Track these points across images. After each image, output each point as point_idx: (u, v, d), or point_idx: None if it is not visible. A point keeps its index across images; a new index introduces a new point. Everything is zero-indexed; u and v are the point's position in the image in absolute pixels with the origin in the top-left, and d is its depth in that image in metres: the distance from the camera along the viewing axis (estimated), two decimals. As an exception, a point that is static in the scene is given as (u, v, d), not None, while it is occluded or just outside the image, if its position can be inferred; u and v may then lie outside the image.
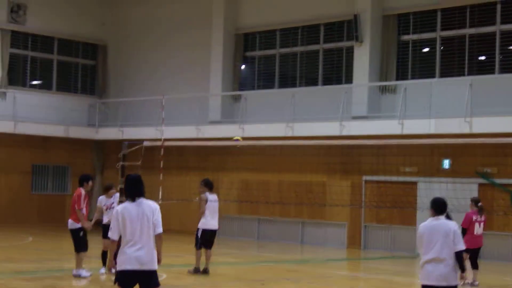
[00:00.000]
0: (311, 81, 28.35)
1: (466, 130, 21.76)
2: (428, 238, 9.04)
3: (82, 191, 14.45)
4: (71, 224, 14.45)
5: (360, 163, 25.37)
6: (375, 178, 25.17)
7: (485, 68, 24.31)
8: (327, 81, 27.77)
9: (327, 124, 24.70)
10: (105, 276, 14.77)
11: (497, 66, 23.93)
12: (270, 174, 27.50)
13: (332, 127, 24.47)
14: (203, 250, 16.00)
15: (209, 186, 16.34)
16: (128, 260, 8.27)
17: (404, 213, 24.18)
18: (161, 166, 15.84)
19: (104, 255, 15.17)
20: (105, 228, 14.21)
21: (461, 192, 21.35)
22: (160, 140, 17.85)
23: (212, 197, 16.22)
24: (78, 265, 14.45)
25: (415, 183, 23.97)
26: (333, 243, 25.78)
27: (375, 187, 25.19)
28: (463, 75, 24.38)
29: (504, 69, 23.79)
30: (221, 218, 22.61)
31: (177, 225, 30.13)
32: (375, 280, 17.24)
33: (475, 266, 15.98)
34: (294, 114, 25.68)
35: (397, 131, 23.04)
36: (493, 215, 22.32)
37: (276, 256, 21.69)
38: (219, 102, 29.46)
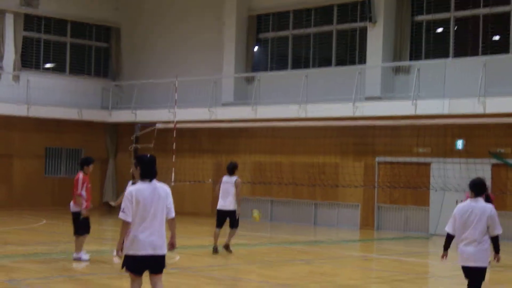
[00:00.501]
0: (324, 62, 28.25)
1: (479, 110, 21.65)
2: (465, 219, 9.07)
3: (81, 175, 14.30)
4: (72, 207, 14.43)
5: (374, 144, 25.34)
6: (388, 159, 25.13)
7: (499, 48, 24.13)
8: (341, 62, 27.67)
9: (340, 105, 24.63)
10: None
11: (511, 45, 23.75)
12: (283, 155, 27.50)
13: (345, 108, 24.42)
14: (220, 230, 16.60)
15: (228, 169, 16.96)
16: (142, 245, 7.99)
17: (417, 193, 24.15)
18: (174, 148, 15.83)
19: None
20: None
21: (474, 173, 21.25)
22: (172, 122, 17.91)
23: (226, 178, 16.72)
24: (78, 248, 14.32)
25: (428, 164, 23.90)
26: (346, 224, 25.80)
27: (388, 168, 25.15)
28: (477, 55, 24.24)
29: (519, 49, 23.61)
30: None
31: (191, 207, 30.26)
32: (388, 260, 17.25)
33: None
34: (307, 96, 25.62)
35: (410, 111, 22.96)
36: (507, 195, 22.27)
37: (289, 237, 21.72)
38: (232, 84, 29.44)
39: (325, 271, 14.79)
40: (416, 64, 24.45)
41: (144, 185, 8.19)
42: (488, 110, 21.47)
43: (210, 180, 28.01)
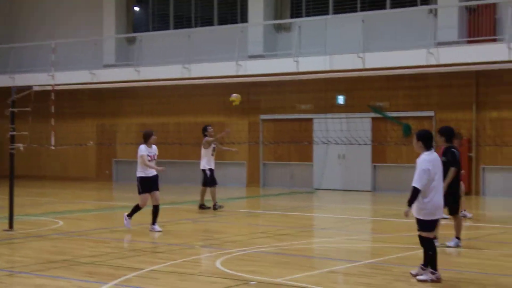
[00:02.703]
0: (207, 22, 28.12)
1: (359, 65, 22.15)
2: (434, 171, 9.12)
3: None
4: None
5: (258, 102, 25.58)
6: (272, 116, 25.43)
7: (377, 4, 24.65)
8: (223, 21, 27.61)
9: (223, 64, 24.66)
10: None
11: (388, 1, 24.31)
12: (168, 116, 27.36)
13: (229, 67, 24.46)
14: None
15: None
16: None
17: (301, 150, 24.60)
18: (52, 111, 15.41)
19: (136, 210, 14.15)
20: (143, 182, 13.83)
21: (354, 127, 21.82)
22: (51, 85, 17.37)
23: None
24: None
25: (310, 120, 24.34)
26: (233, 182, 26.01)
27: (271, 125, 25.49)
28: (356, 11, 24.70)
29: (395, 5, 24.21)
30: (120, 163, 22.22)
31: (74, 171, 29.77)
32: (274, 215, 17.52)
33: None
34: (190, 55, 25.48)
35: (292, 69, 23.23)
36: (386, 147, 22.98)
37: (176, 198, 21.70)
38: (113, 45, 28.92)
39: (211, 228, 14.88)
40: (296, 21, 24.69)
41: None
42: (367, 65, 21.99)
43: (91, 142, 27.60)
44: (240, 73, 24.26)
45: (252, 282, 9.05)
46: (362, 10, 24.53)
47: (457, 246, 11.81)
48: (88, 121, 29.24)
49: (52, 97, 15.51)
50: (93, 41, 28.18)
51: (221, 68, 24.48)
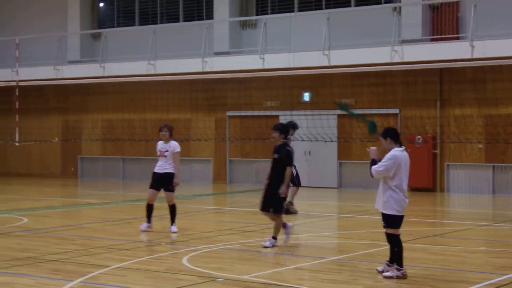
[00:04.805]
0: (172, 18, 28.03)
1: (324, 62, 22.25)
2: (404, 168, 9.20)
3: None
4: None
5: (224, 99, 25.60)
6: (238, 113, 25.44)
7: (342, 2, 24.78)
8: (188, 18, 27.55)
9: (189, 61, 24.61)
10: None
11: (353, -1, 24.48)
12: (134, 112, 27.23)
13: (194, 64, 24.42)
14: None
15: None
16: None
17: (267, 146, 24.61)
18: (17, 107, 15.26)
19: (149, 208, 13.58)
20: (163, 179, 13.36)
21: (320, 123, 21.93)
22: (15, 81, 17.26)
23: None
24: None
25: (276, 117, 24.41)
26: (199, 179, 25.99)
27: (238, 122, 25.50)
28: (321, 9, 24.82)
29: (360, 2, 24.36)
30: (85, 160, 22.00)
31: (39, 168, 29.51)
32: (240, 212, 17.55)
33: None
34: (156, 52, 25.39)
35: (258, 66, 23.29)
36: (352, 144, 23.13)
37: (141, 194, 21.60)
38: (78, 41, 28.71)
39: (178, 225, 14.86)
40: (262, 18, 24.72)
41: None
42: (333, 63, 22.10)
43: (56, 139, 27.37)
44: (206, 69, 24.23)
45: (218, 279, 9.06)
46: (327, 8, 24.65)
47: (272, 246, 11.59)
48: (53, 117, 29.00)
49: (16, 93, 15.38)
50: (57, 37, 27.94)
51: (187, 65, 24.42)
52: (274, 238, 11.74)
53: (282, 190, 11.48)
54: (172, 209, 13.50)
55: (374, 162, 9.28)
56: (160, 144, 13.67)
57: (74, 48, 28.62)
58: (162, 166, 13.50)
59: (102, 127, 27.80)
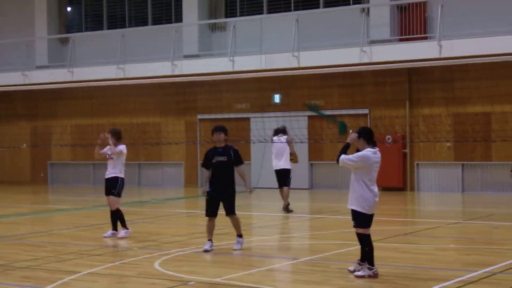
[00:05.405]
0: (141, 21, 27.95)
1: (294, 64, 22.33)
2: (376, 168, 9.24)
3: None
4: None
5: (195, 102, 25.55)
6: (209, 116, 25.41)
7: (310, 3, 24.88)
8: (157, 21, 27.49)
9: (159, 64, 24.56)
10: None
11: (321, 1, 24.55)
12: (103, 117, 27.09)
13: (164, 67, 24.37)
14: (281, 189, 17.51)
15: (277, 131, 17.78)
16: None
17: (239, 149, 24.57)
18: (-16, 114, 15.09)
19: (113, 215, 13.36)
20: (108, 183, 13.28)
21: (290, 124, 21.97)
22: (-18, 87, 17.09)
23: (276, 138, 17.61)
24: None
25: (247, 119, 24.41)
26: (170, 183, 25.90)
27: (209, 125, 25.42)
28: (290, 11, 24.88)
29: (328, 4, 24.47)
30: (55, 166, 21.77)
31: (8, 175, 29.25)
32: (212, 215, 17.50)
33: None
34: (125, 56, 25.29)
35: (228, 68, 23.29)
36: (322, 145, 23.21)
37: (113, 199, 21.45)
38: (46, 46, 28.51)
39: (149, 230, 14.79)
40: (231, 21, 24.73)
41: None
42: (302, 64, 22.17)
43: (24, 145, 27.16)
44: (175, 73, 24.19)
45: (190, 283, 9.04)
46: (296, 10, 24.73)
47: (242, 245, 11.72)
48: (22, 123, 28.75)
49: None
50: (25, 42, 27.71)
51: (157, 68, 24.35)
52: (240, 235, 11.76)
53: (249, 187, 11.88)
54: (115, 214, 13.30)
55: (348, 146, 9.33)
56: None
57: (42, 53, 28.41)
58: (108, 171, 13.57)
59: (71, 132, 27.61)
